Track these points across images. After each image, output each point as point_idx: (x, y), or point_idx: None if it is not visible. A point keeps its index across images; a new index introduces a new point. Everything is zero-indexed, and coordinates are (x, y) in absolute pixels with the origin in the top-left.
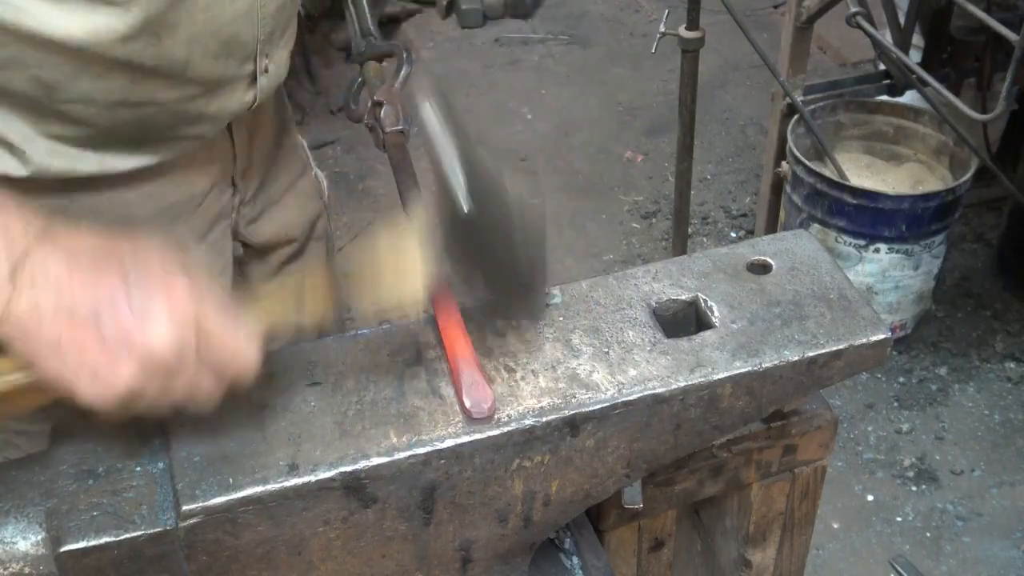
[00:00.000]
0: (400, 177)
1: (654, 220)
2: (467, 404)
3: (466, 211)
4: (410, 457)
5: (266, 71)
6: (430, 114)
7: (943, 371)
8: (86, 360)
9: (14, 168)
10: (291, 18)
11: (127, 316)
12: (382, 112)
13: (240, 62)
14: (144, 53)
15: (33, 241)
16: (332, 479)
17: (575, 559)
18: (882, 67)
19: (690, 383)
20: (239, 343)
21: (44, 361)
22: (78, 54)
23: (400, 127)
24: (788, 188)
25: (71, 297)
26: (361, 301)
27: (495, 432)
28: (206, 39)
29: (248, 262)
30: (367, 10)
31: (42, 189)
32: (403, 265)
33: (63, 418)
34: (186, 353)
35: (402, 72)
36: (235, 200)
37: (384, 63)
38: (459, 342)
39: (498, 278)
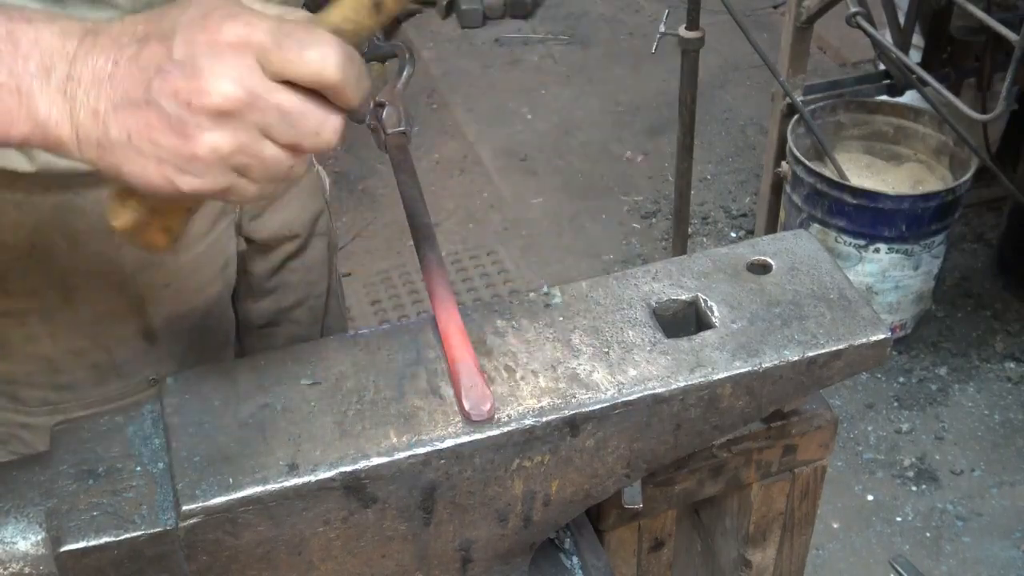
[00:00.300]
0: (401, 177)
1: (654, 220)
2: (466, 406)
3: None
4: (410, 457)
5: None
6: None
7: (943, 371)
8: (162, 145)
9: (22, 164)
10: None
11: (180, 82)
12: (384, 113)
13: None
14: None
15: (75, 46)
16: (332, 479)
17: (575, 559)
18: (882, 67)
19: (690, 383)
20: (305, 36)
21: (129, 168)
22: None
23: (402, 128)
24: (788, 188)
25: (120, 87)
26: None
27: (495, 432)
28: None
29: (251, 258)
30: None
31: (49, 184)
32: None
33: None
34: (255, 89)
35: (404, 73)
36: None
37: (387, 63)
38: (458, 343)
39: None
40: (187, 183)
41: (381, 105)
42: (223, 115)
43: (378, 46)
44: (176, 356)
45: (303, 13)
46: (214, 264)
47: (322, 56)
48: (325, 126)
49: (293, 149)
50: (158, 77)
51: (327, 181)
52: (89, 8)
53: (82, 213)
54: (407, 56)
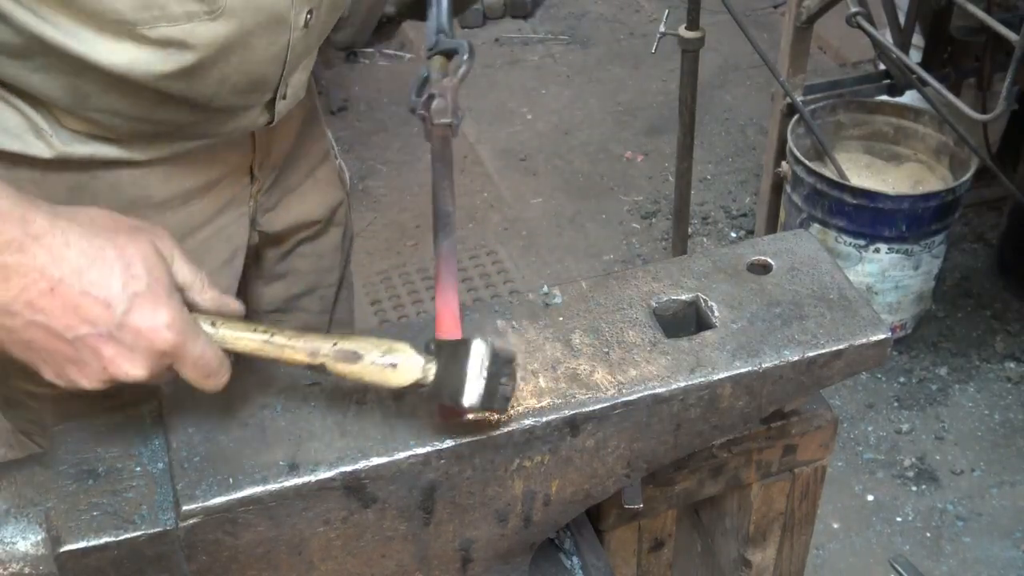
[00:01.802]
0: (437, 166)
1: (654, 220)
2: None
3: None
4: (410, 457)
5: (284, 97)
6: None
7: (943, 371)
8: (54, 363)
9: (41, 150)
10: (315, 49)
11: (108, 349)
12: (434, 104)
13: (261, 94)
14: (175, 87)
15: (22, 236)
16: (332, 479)
17: (575, 559)
18: (882, 67)
19: (690, 383)
20: (213, 368)
21: (13, 349)
22: (114, 77)
23: (448, 120)
24: (788, 188)
25: (48, 315)
26: (341, 369)
27: (495, 432)
28: (236, 78)
29: (263, 247)
30: (447, 9)
31: (65, 167)
32: (391, 366)
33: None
34: (157, 375)
35: (461, 68)
36: (252, 188)
37: (452, 60)
38: (450, 330)
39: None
40: (56, 382)
41: (433, 96)
42: (122, 383)
43: (444, 42)
44: None
45: (234, 312)
46: (220, 253)
47: (214, 386)
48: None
49: None
50: (91, 335)
51: (347, 173)
52: (135, 47)
53: (95, 196)
54: (467, 52)
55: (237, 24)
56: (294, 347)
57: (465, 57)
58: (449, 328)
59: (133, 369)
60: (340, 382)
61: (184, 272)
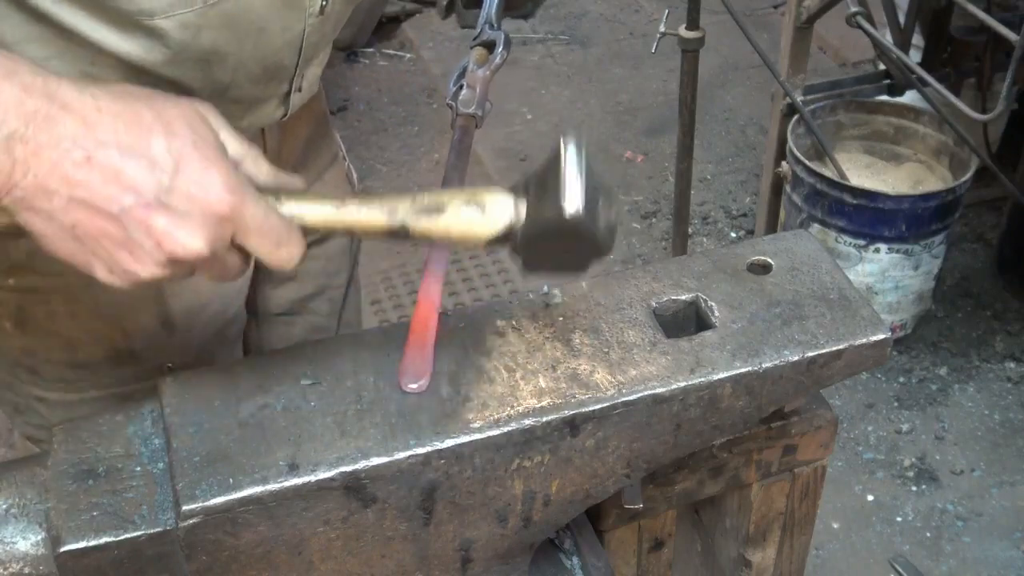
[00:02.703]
0: (452, 156)
1: (654, 220)
2: (401, 377)
3: (570, 215)
4: (410, 457)
5: (299, 89)
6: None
7: (943, 371)
8: (104, 252)
9: None
10: (330, 40)
11: (159, 218)
12: (462, 94)
13: (278, 84)
14: (190, 75)
15: (35, 107)
16: (332, 479)
17: (575, 559)
18: (882, 67)
19: (690, 383)
20: (282, 235)
21: (56, 244)
22: (130, 65)
23: (472, 110)
24: (788, 188)
25: (89, 188)
26: (425, 224)
27: (495, 432)
28: (252, 65)
29: None
30: (498, 2)
31: None
32: (480, 202)
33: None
34: (218, 249)
35: (496, 59)
36: None
37: (491, 51)
38: (423, 315)
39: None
40: (110, 281)
41: (462, 87)
42: (177, 262)
43: (487, 33)
44: (193, 346)
45: (296, 187)
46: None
47: (289, 257)
48: (243, 274)
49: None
50: (138, 205)
51: (355, 175)
52: (146, 38)
53: None
54: (502, 44)
55: (249, 5)
56: (370, 210)
57: (500, 49)
58: (422, 315)
59: (191, 239)
60: (340, 382)
61: (233, 144)
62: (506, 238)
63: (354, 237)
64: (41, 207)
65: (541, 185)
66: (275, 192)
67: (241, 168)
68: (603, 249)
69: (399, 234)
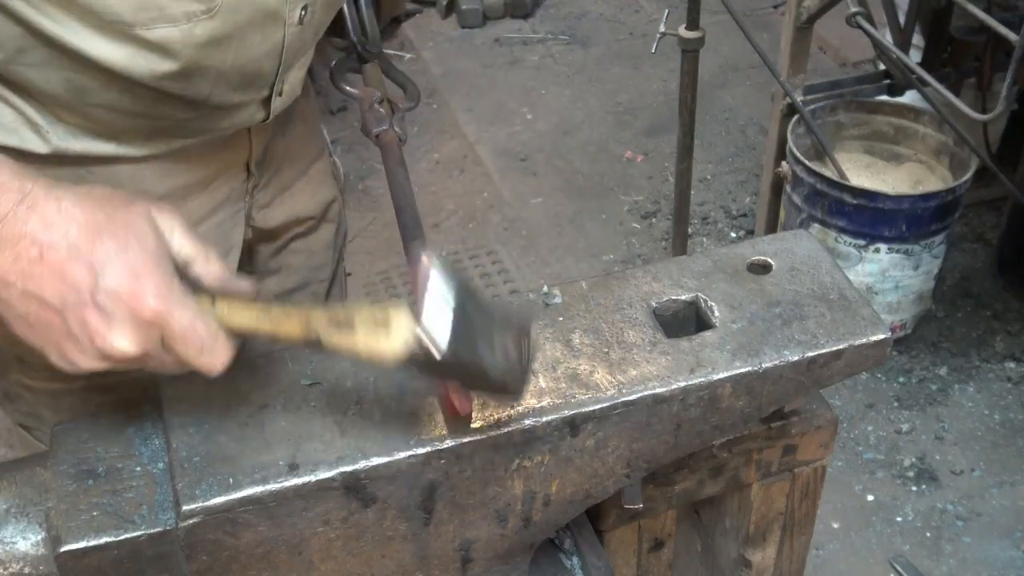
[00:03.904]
0: (391, 177)
1: (654, 220)
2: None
3: (440, 357)
4: (410, 457)
5: (280, 94)
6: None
7: (943, 371)
8: (52, 340)
9: (37, 145)
10: (311, 46)
11: (92, 317)
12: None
13: (258, 90)
14: (173, 86)
15: (16, 205)
16: (332, 479)
17: (575, 559)
18: (882, 67)
19: (690, 383)
20: (206, 342)
21: (16, 327)
22: (112, 74)
23: (385, 128)
24: (788, 188)
25: (38, 282)
26: (336, 340)
27: (495, 432)
28: (232, 75)
29: (256, 243)
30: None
31: (61, 163)
32: (386, 322)
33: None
34: (149, 351)
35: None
36: (248, 185)
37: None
38: None
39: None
40: (62, 367)
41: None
42: (111, 359)
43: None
44: None
45: (242, 291)
46: (216, 250)
47: (211, 363)
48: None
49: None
50: (77, 303)
51: (342, 170)
52: (134, 50)
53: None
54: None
55: (232, 22)
56: (290, 319)
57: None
58: None
59: (118, 340)
60: (340, 382)
61: (186, 247)
62: (415, 359)
63: (278, 344)
64: (1, 297)
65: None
66: (214, 296)
67: (191, 269)
68: (503, 386)
69: (314, 345)
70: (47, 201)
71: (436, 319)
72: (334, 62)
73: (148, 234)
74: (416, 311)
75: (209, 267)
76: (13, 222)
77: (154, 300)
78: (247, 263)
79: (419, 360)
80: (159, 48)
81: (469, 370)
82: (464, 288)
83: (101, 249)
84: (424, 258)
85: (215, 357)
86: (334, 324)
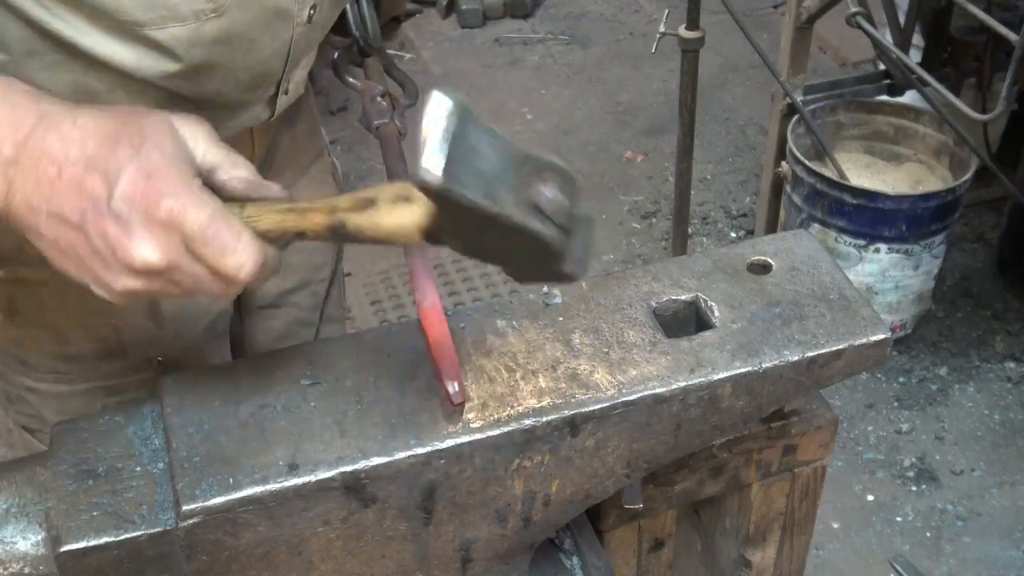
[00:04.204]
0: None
1: (654, 220)
2: (450, 390)
3: (435, 184)
4: (410, 457)
5: (286, 92)
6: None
7: (943, 371)
8: (84, 264)
9: None
10: (316, 44)
11: (111, 227)
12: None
13: (265, 89)
14: (182, 86)
15: (25, 134)
16: (332, 479)
17: (575, 559)
18: (882, 67)
19: (690, 383)
20: (228, 241)
21: (52, 258)
22: (122, 76)
23: (387, 120)
24: (788, 188)
25: (59, 201)
26: (360, 220)
27: (495, 432)
28: (240, 74)
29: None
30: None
31: None
32: (409, 195)
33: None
34: (175, 260)
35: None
36: None
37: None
38: (438, 328)
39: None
40: (102, 295)
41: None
42: (140, 272)
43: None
44: (181, 340)
45: (273, 194)
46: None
47: (237, 265)
48: (230, 288)
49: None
50: (94, 213)
51: (340, 170)
52: (143, 50)
53: None
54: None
55: (241, 20)
56: (315, 209)
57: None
58: (436, 322)
59: (139, 247)
60: (340, 382)
61: (211, 154)
62: (438, 230)
63: (305, 239)
64: (30, 224)
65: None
66: (242, 201)
67: (216, 175)
68: (523, 228)
69: (339, 232)
70: (63, 119)
71: (436, 151)
72: (336, 55)
73: (165, 138)
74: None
75: (235, 172)
76: (33, 144)
77: (169, 200)
78: None
79: (439, 221)
80: (168, 47)
81: (482, 215)
82: (472, 125)
83: (116, 157)
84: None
85: (241, 258)
86: (358, 205)
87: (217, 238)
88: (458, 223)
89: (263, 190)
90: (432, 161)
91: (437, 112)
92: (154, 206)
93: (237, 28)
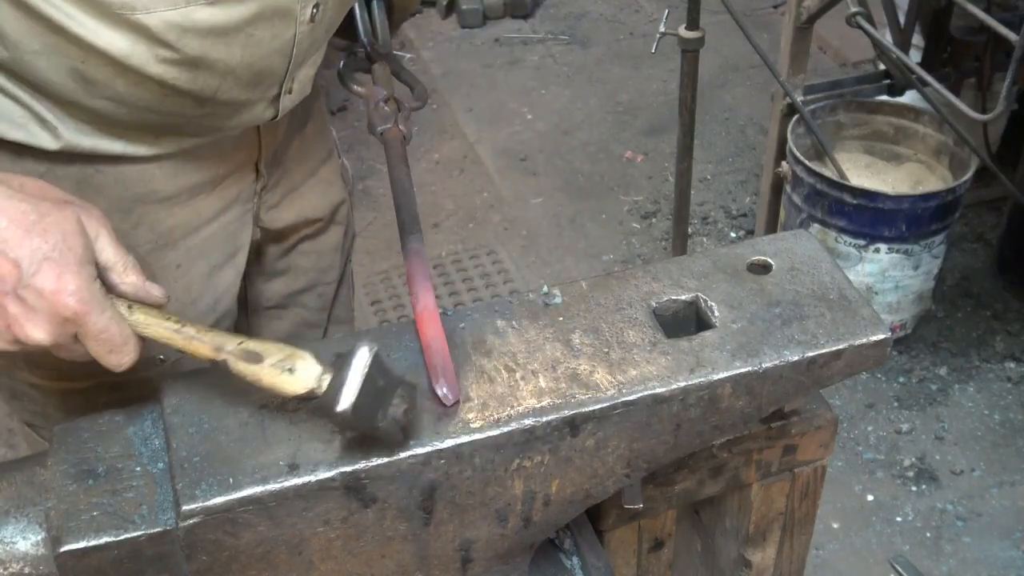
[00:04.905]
0: (393, 173)
1: (654, 220)
2: (439, 392)
3: (342, 412)
4: (410, 457)
5: (290, 91)
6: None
7: (943, 371)
8: None
9: (46, 142)
10: (323, 45)
11: (13, 307)
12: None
13: (267, 88)
14: (179, 78)
15: None
16: (332, 479)
17: (575, 559)
18: (882, 67)
19: (690, 383)
20: (116, 343)
21: None
22: (118, 63)
23: (391, 125)
24: (788, 188)
25: None
26: (243, 369)
27: (495, 432)
28: (240, 71)
29: (265, 243)
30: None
31: (71, 159)
32: (293, 364)
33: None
34: (62, 343)
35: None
36: (257, 186)
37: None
38: (432, 328)
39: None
40: None
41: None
42: (27, 346)
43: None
44: None
45: (155, 299)
46: (224, 249)
47: (117, 363)
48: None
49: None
50: (1, 291)
51: (350, 172)
52: (134, 38)
53: (101, 190)
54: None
55: (237, 13)
56: (201, 340)
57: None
58: (431, 324)
59: (34, 331)
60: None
61: (108, 252)
62: (310, 399)
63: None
64: None
65: (336, 376)
66: (131, 302)
67: (109, 275)
68: (383, 441)
69: (220, 368)
70: None
71: (348, 381)
72: (342, 62)
73: (76, 237)
74: (337, 366)
75: (126, 277)
76: None
77: (75, 301)
78: (255, 263)
79: (317, 404)
80: (158, 34)
81: (361, 431)
82: (378, 359)
83: (29, 247)
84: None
85: (122, 357)
86: (243, 354)
87: (109, 341)
88: (331, 418)
89: (146, 296)
90: (348, 399)
91: (360, 362)
92: (62, 305)
93: (232, 20)
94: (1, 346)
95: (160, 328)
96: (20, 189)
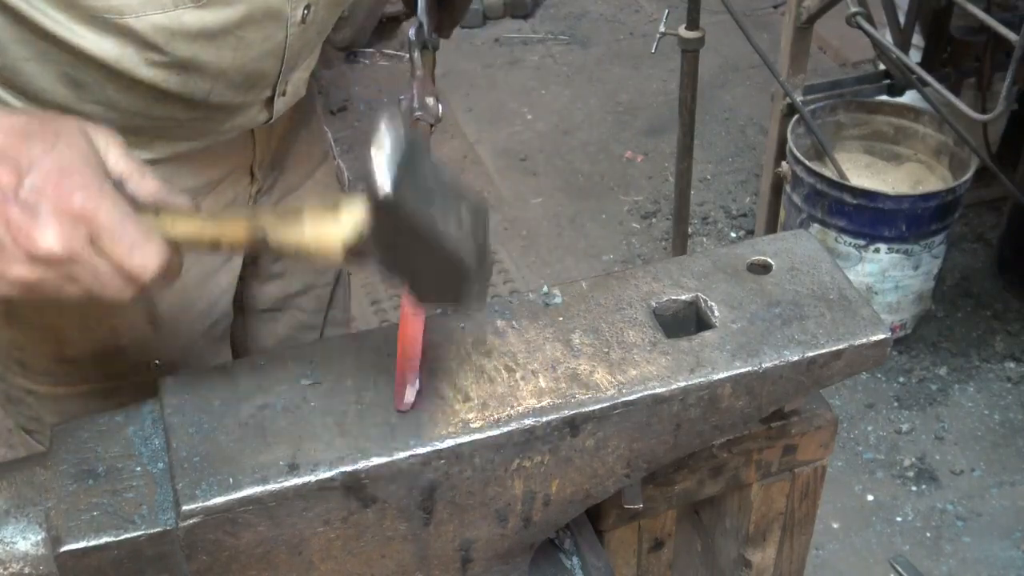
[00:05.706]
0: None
1: (654, 220)
2: (396, 399)
3: (384, 195)
4: (410, 457)
5: (283, 94)
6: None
7: (943, 371)
8: None
9: None
10: (316, 46)
11: (15, 213)
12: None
13: (260, 90)
14: (170, 81)
15: None
16: (332, 479)
17: (575, 559)
18: (882, 67)
19: (690, 383)
20: (137, 239)
21: None
22: (106, 67)
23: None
24: (788, 188)
25: None
26: (283, 233)
27: (495, 432)
28: (231, 74)
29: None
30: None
31: None
32: (336, 209)
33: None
34: (77, 252)
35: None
36: (252, 189)
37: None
38: (410, 334)
39: (427, 270)
40: (4, 284)
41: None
42: (38, 260)
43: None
44: (180, 343)
45: (181, 206)
46: (220, 253)
47: (143, 264)
48: (128, 290)
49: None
50: (1, 201)
51: (346, 174)
52: (121, 41)
53: None
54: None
55: (226, 15)
56: (234, 222)
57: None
58: (408, 329)
59: (43, 235)
60: (340, 382)
61: (121, 163)
62: (362, 249)
63: (219, 251)
64: None
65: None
66: (155, 208)
67: (125, 185)
68: (449, 249)
69: (259, 244)
70: None
71: (385, 164)
72: (413, 29)
73: (79, 140)
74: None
75: (144, 183)
76: None
77: (82, 194)
78: (250, 267)
79: (366, 235)
80: (147, 38)
81: (419, 230)
82: (419, 147)
83: (28, 151)
84: (383, 118)
85: (148, 258)
86: (281, 218)
87: (127, 235)
88: (388, 237)
89: (172, 200)
90: (383, 176)
91: (389, 134)
92: (66, 198)
93: (221, 23)
94: (19, 270)
95: (188, 221)
96: (23, 110)
